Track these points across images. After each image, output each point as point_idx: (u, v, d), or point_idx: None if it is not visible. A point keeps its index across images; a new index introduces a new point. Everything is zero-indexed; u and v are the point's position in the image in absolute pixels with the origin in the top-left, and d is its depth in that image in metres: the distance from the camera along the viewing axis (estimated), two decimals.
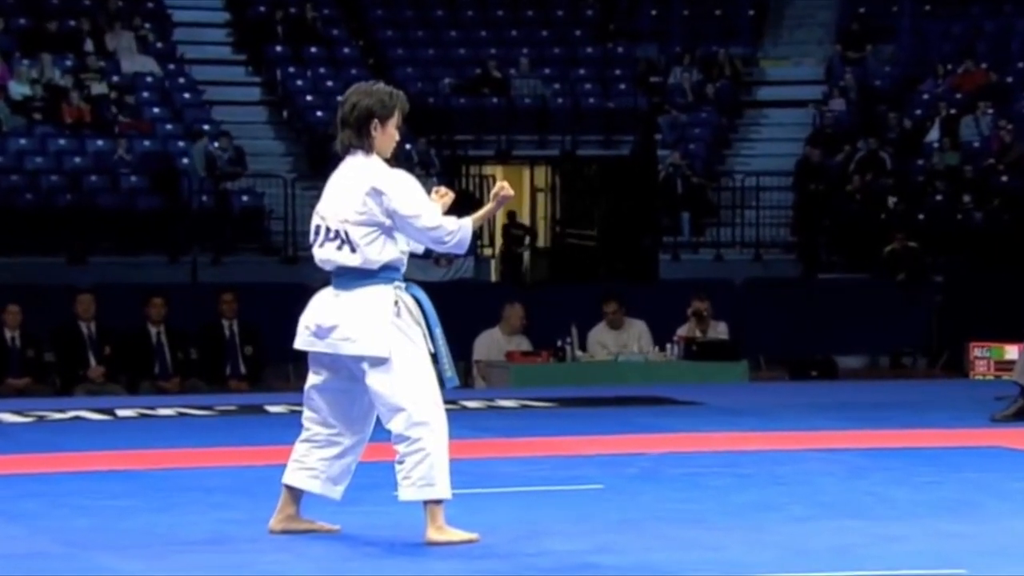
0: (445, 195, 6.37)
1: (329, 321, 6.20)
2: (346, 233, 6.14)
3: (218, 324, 14.42)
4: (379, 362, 6.13)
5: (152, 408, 11.76)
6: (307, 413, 6.40)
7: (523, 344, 14.54)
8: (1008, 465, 8.65)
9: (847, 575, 5.63)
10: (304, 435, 6.41)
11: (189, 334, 14.38)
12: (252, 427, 10.76)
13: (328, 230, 6.19)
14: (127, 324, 14.22)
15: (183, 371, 14.19)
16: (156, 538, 6.43)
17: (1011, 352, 13.40)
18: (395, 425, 6.16)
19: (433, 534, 6.23)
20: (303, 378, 6.48)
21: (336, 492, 6.44)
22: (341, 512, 6.62)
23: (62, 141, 20.73)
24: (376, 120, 6.18)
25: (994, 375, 13.80)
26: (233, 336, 14.38)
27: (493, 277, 21.36)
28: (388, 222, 6.14)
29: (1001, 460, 8.87)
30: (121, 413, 11.45)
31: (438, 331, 6.24)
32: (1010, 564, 5.84)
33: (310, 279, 17.63)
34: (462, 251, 6.37)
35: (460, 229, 6.17)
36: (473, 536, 6.28)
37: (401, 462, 6.16)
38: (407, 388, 6.13)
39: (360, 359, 6.16)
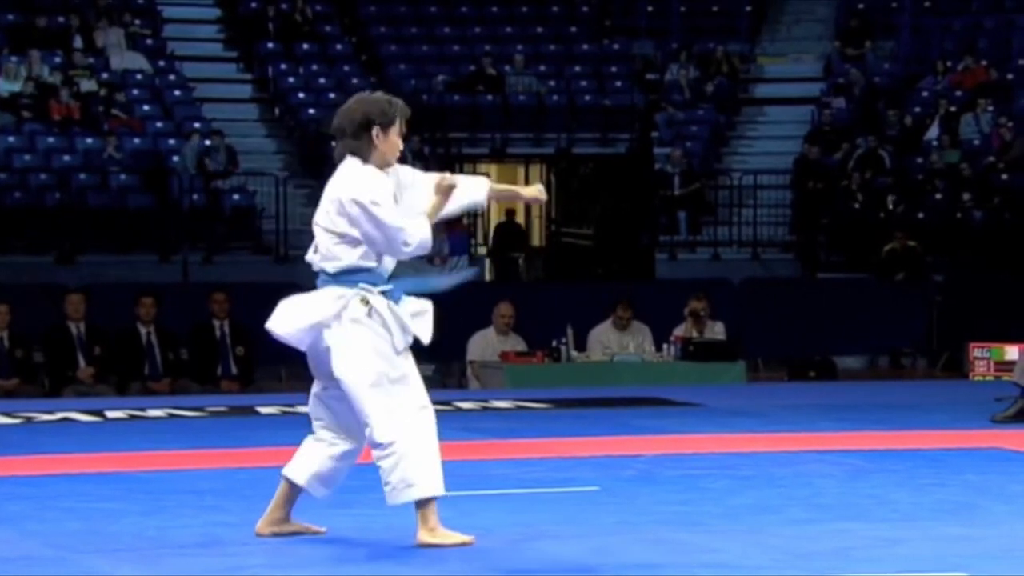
0: (448, 182, 6.30)
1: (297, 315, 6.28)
2: (317, 236, 6.26)
3: (209, 324, 14.35)
4: (339, 354, 6.12)
5: (142, 409, 11.73)
6: (313, 413, 6.44)
7: (518, 344, 14.44)
8: (1009, 467, 8.62)
9: None
10: (313, 436, 6.43)
11: (180, 334, 14.32)
12: (243, 429, 10.73)
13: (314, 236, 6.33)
14: (117, 324, 14.17)
15: (174, 372, 14.12)
16: (146, 541, 6.39)
17: (1011, 353, 13.34)
18: (367, 431, 6.19)
19: (425, 536, 6.20)
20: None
21: (323, 493, 6.45)
22: (333, 514, 6.61)
23: (51, 139, 20.65)
24: (377, 127, 6.22)
25: (994, 376, 13.74)
26: (224, 336, 14.30)
27: (487, 276, 21.27)
28: (351, 231, 6.15)
29: (1002, 462, 8.84)
30: (111, 414, 11.42)
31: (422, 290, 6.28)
32: (1011, 567, 5.80)
33: (303, 279, 17.59)
34: (425, 251, 6.33)
35: (418, 230, 6.15)
36: (467, 538, 6.23)
37: (380, 468, 6.19)
38: (371, 396, 6.12)
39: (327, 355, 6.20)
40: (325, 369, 6.25)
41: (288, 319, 6.24)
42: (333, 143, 6.42)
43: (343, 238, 6.17)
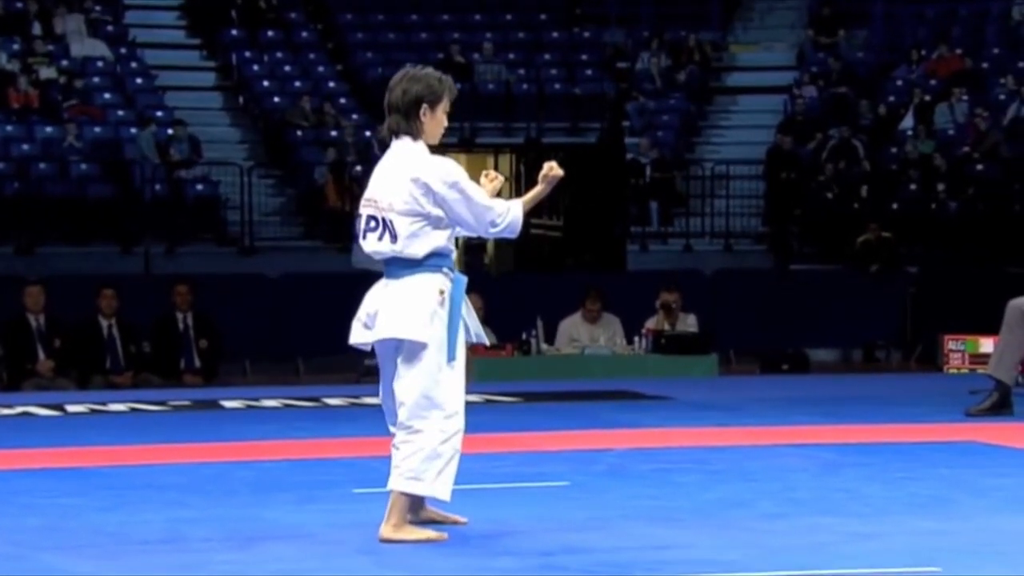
0: (495, 179, 6.40)
1: (375, 309, 6.17)
2: (390, 222, 6.13)
3: (172, 316, 14.27)
4: (413, 348, 6.05)
5: (103, 403, 11.66)
6: (389, 407, 6.22)
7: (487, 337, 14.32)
8: (983, 460, 8.60)
9: (819, 573, 5.56)
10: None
11: (142, 327, 14.29)
12: (206, 423, 10.65)
13: (372, 219, 6.17)
14: (77, 316, 14.14)
15: (135, 365, 14.06)
16: (107, 537, 6.35)
17: (986, 345, 13.27)
18: (401, 412, 6.10)
19: (387, 531, 6.13)
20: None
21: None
22: (298, 509, 6.57)
23: (9, 127, 20.45)
24: (425, 105, 6.24)
25: (968, 368, 13.69)
26: (187, 329, 14.20)
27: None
28: (435, 211, 6.11)
29: (976, 455, 8.81)
30: (71, 408, 11.36)
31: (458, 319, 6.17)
32: (985, 562, 5.77)
33: (267, 270, 17.43)
34: (513, 235, 6.32)
35: (509, 211, 6.20)
36: (433, 535, 6.15)
37: (397, 449, 6.11)
38: (424, 380, 6.05)
39: (398, 343, 6.09)
40: (393, 352, 6.11)
41: (410, 319, 6.02)
42: (380, 127, 6.33)
43: (428, 219, 6.09)
